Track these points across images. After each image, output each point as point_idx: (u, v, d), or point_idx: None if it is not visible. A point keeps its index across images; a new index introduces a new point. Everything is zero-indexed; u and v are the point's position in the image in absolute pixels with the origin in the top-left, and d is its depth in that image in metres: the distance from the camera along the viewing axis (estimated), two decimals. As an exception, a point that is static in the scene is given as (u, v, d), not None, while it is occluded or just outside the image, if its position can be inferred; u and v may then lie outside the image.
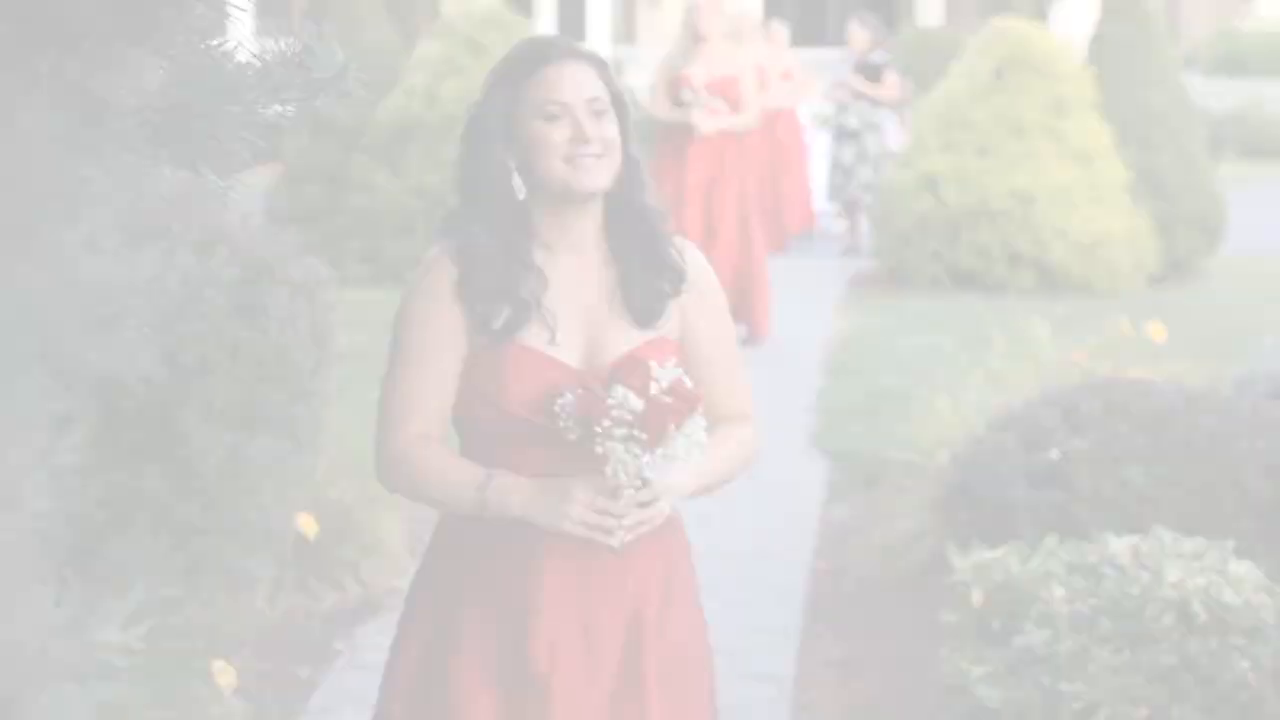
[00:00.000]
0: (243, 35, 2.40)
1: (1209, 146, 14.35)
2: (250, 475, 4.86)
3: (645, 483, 2.68)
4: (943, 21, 32.69)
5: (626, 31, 35.20)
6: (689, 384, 2.71)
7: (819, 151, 16.05)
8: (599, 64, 2.89)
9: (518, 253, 2.84)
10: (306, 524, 5.24)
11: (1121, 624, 3.90)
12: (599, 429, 2.65)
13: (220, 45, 2.34)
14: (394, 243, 12.70)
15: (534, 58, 2.90)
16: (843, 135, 14.89)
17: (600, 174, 2.83)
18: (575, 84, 2.85)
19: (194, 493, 4.83)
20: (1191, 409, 5.19)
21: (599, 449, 2.66)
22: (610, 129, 2.84)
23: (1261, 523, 4.98)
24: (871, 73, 14.71)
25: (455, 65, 12.86)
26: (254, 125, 2.61)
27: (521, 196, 2.84)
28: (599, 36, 28.91)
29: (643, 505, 2.74)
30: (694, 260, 2.96)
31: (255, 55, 2.35)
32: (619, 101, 2.89)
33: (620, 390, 2.67)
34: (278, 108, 2.62)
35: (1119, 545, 4.17)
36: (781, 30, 15.71)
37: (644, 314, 2.88)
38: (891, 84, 14.77)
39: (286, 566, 5.45)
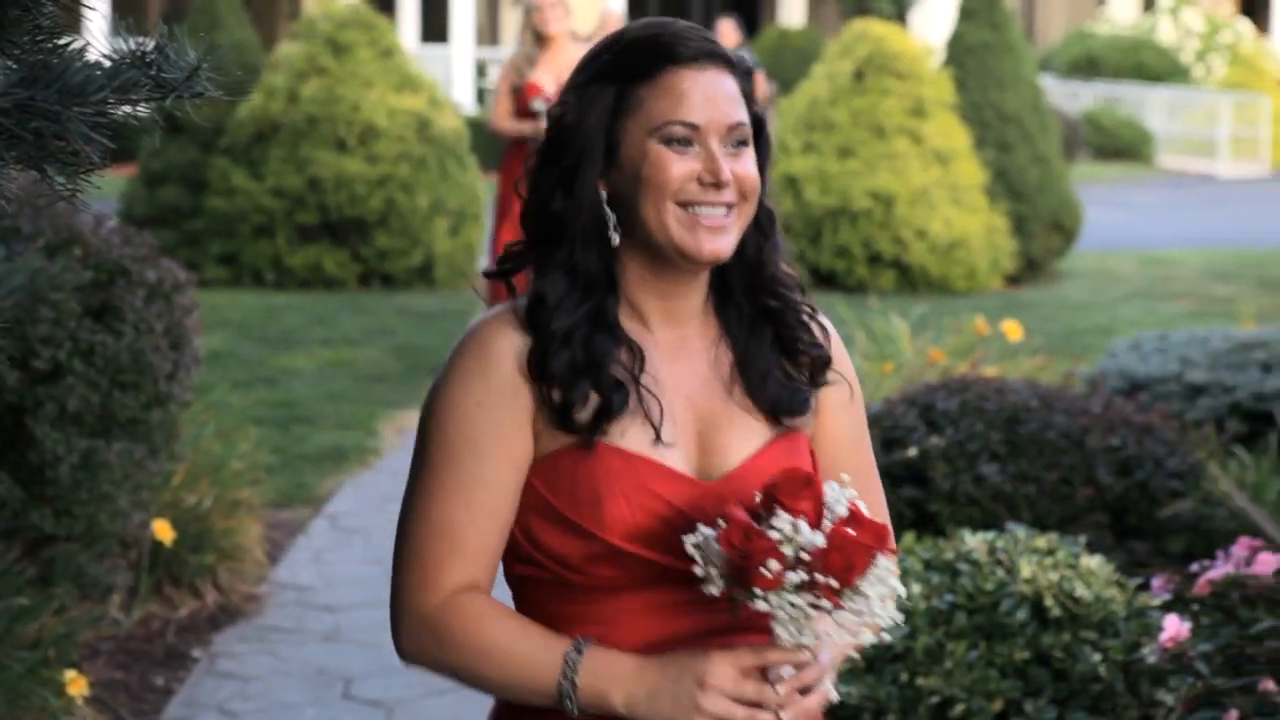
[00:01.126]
0: (95, 35, 2.36)
1: (1064, 148, 14.62)
2: (105, 481, 4.78)
3: (815, 655, 1.90)
4: (804, 22, 32.94)
5: (490, 31, 35.09)
6: (866, 509, 1.92)
7: None
8: (745, 75, 2.08)
9: (607, 319, 2.03)
10: (163, 530, 5.16)
11: (977, 619, 3.95)
12: (760, 576, 1.83)
13: (69, 44, 2.30)
14: (253, 244, 12.57)
15: (658, 51, 2.03)
16: None
17: (730, 236, 2.04)
18: (714, 101, 2.02)
19: (46, 499, 4.74)
20: (1045, 407, 5.27)
21: (760, 604, 1.84)
22: (752, 170, 2.06)
23: (1113, 518, 5.07)
24: None
25: (316, 65, 12.75)
26: (103, 126, 2.57)
27: (616, 243, 2.04)
28: (463, 37, 28.77)
29: (804, 690, 1.94)
30: (836, 342, 2.19)
31: (106, 55, 2.31)
32: (761, 130, 2.09)
33: (786, 519, 1.85)
34: (128, 109, 2.58)
35: (974, 541, 4.22)
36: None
37: (778, 406, 2.08)
38: (760, 85, 14.88)
39: (142, 574, 5.36)
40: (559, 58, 8.64)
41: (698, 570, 1.86)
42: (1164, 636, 3.72)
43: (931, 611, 3.97)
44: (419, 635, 2.00)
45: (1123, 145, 25.98)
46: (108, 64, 2.51)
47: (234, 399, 7.72)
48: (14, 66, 2.43)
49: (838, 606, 1.82)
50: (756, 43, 26.68)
